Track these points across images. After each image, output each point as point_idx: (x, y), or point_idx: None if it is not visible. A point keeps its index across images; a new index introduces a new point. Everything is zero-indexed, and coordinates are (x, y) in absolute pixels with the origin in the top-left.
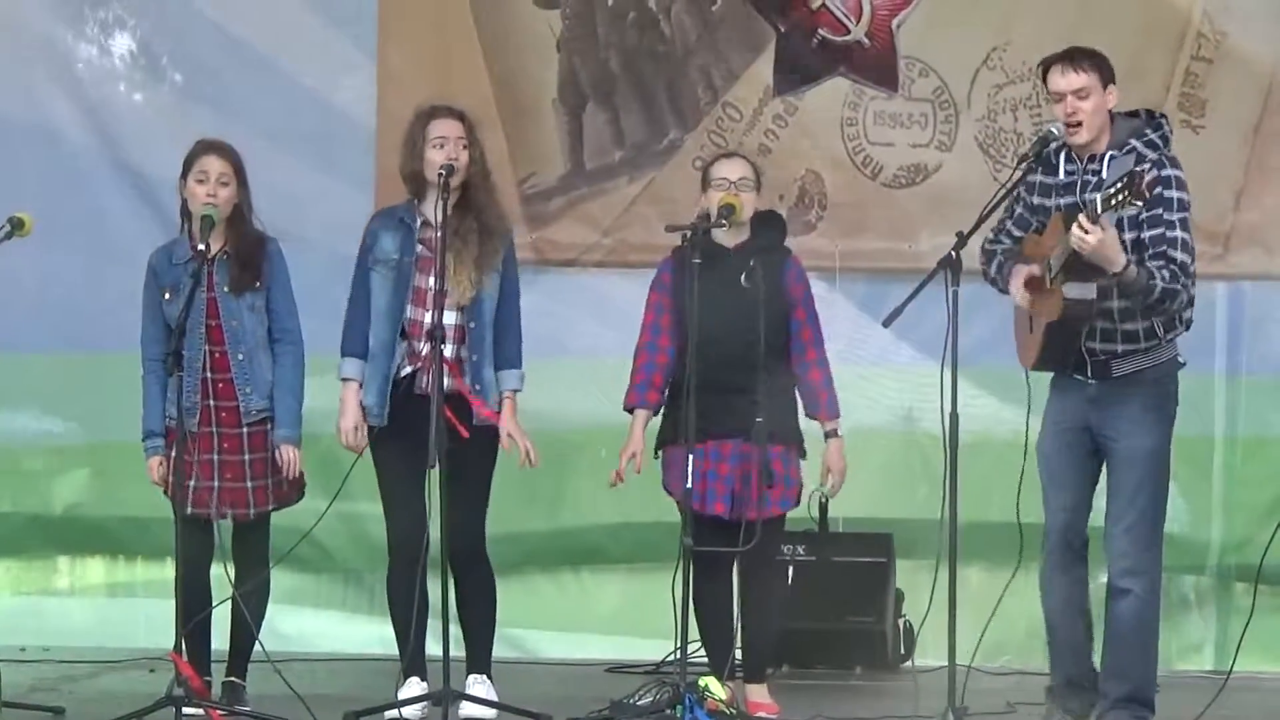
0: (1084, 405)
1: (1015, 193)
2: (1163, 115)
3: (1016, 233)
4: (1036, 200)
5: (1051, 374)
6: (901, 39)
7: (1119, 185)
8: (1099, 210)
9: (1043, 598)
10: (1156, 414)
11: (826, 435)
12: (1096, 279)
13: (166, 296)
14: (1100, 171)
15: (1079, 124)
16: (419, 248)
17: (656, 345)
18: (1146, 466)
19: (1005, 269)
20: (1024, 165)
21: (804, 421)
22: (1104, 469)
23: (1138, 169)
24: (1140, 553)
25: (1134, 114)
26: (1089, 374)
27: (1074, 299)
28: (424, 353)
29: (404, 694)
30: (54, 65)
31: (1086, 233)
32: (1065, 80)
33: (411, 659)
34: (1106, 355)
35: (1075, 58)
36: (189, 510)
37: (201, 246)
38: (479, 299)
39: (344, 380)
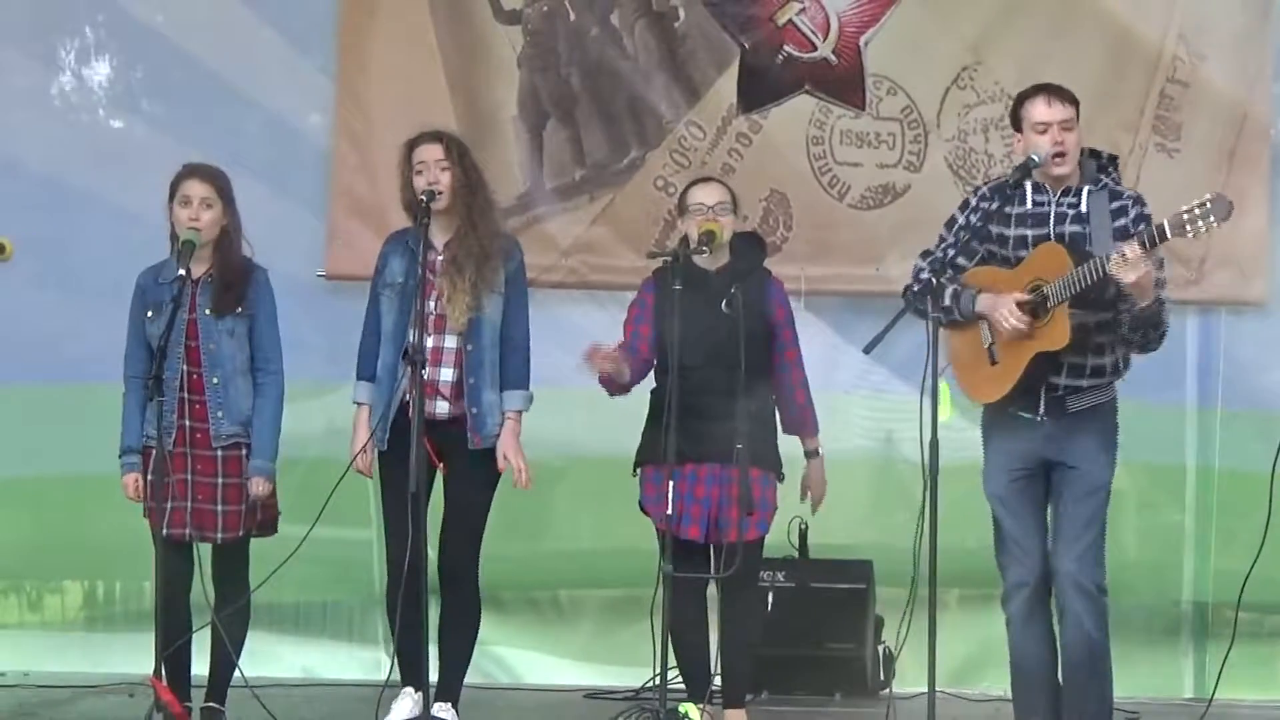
0: (1038, 443)
1: (966, 222)
2: (1113, 156)
3: (964, 263)
4: (995, 229)
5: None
6: (870, 57)
7: (1205, 207)
8: (1168, 235)
9: (1016, 644)
10: (1110, 449)
11: (808, 454)
12: (1103, 310)
13: (149, 315)
14: (1079, 205)
15: (1064, 154)
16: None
17: (634, 348)
18: (1099, 499)
19: (964, 298)
20: (984, 193)
21: (783, 444)
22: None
23: (1225, 195)
24: (1090, 580)
25: (1093, 153)
26: (1041, 411)
27: (1081, 325)
28: (425, 376)
29: (395, 707)
30: (25, 93)
31: (1129, 260)
32: (1052, 111)
33: (404, 671)
34: (1067, 391)
35: (1059, 90)
36: (165, 532)
37: (182, 271)
38: (478, 322)
39: (357, 404)
